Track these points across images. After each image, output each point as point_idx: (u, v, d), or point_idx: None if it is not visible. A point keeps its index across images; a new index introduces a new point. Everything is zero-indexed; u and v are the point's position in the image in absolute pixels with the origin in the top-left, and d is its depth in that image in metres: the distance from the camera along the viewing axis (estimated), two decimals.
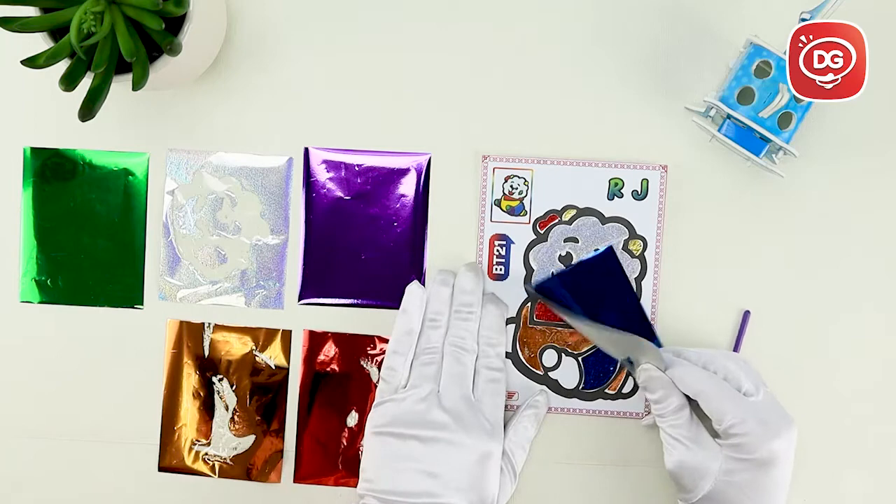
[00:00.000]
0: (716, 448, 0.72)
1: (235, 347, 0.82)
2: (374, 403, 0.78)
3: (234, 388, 0.82)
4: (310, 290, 0.81)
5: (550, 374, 0.81)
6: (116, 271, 0.82)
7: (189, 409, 0.82)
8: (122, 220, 0.81)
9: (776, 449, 0.70)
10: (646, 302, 0.80)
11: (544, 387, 0.81)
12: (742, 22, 0.78)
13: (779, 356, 0.80)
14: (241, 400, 0.82)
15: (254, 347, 0.82)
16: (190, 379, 0.82)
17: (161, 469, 0.83)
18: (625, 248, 0.80)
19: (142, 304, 0.82)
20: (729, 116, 0.74)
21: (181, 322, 0.82)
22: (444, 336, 0.78)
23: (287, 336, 0.82)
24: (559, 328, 0.81)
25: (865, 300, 0.80)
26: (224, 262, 0.82)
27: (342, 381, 0.82)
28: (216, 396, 0.82)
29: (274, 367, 0.82)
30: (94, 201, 0.81)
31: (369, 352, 0.81)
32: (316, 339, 0.82)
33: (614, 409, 0.81)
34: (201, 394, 0.82)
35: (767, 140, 0.74)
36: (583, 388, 0.81)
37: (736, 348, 0.80)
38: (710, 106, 0.75)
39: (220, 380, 0.82)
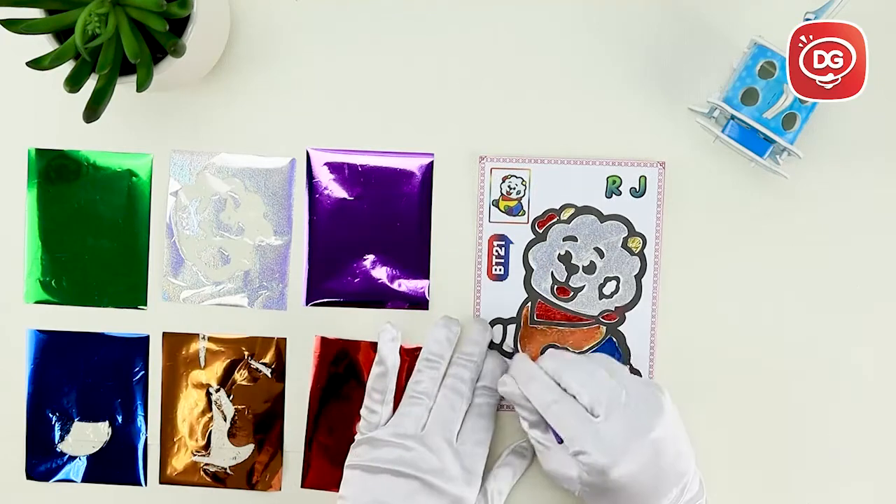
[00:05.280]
0: (571, 460, 0.73)
1: (231, 357, 0.82)
2: (355, 442, 0.78)
3: (231, 397, 0.82)
4: (314, 291, 0.82)
5: None
6: (120, 272, 0.82)
7: (186, 421, 0.82)
8: (125, 221, 0.82)
9: (621, 475, 0.70)
10: (646, 299, 0.81)
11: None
12: (746, 22, 0.78)
13: (780, 355, 0.81)
14: (239, 409, 0.82)
15: (250, 356, 0.82)
16: (186, 391, 0.82)
17: (162, 482, 0.83)
18: (624, 245, 0.80)
19: (145, 305, 0.82)
20: (733, 117, 0.74)
21: (175, 334, 0.82)
22: (438, 379, 0.78)
23: (282, 344, 0.82)
24: (560, 327, 0.81)
25: (870, 300, 0.80)
26: (227, 264, 0.82)
27: (352, 388, 0.82)
28: (214, 407, 0.82)
29: (270, 376, 0.82)
30: (97, 202, 0.82)
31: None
32: (327, 346, 0.82)
33: None
34: (198, 405, 0.82)
35: (772, 141, 0.74)
36: None
37: None
38: (713, 107, 0.75)
39: (217, 390, 0.82)
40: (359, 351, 0.82)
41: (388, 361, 0.78)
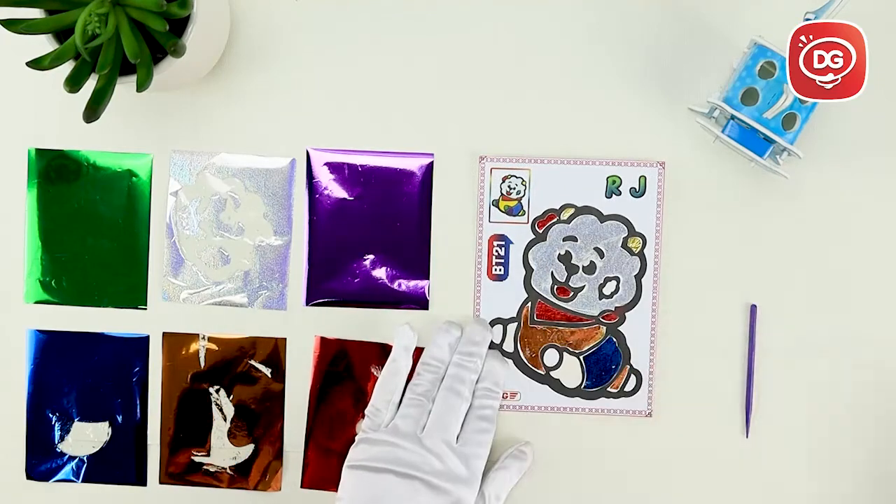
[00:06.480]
0: None
1: (231, 357, 0.82)
2: (355, 442, 0.78)
3: (231, 397, 0.82)
4: (314, 291, 0.82)
5: (552, 373, 0.81)
6: (120, 272, 0.82)
7: (187, 421, 0.82)
8: (125, 221, 0.82)
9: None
10: (646, 298, 0.81)
11: (530, 442, 0.81)
12: (746, 22, 0.78)
13: (778, 354, 0.80)
14: (239, 409, 0.82)
15: (249, 356, 0.82)
16: (186, 391, 0.82)
17: (162, 482, 0.83)
18: (624, 245, 0.80)
19: (145, 305, 0.82)
20: (733, 117, 0.74)
21: (175, 334, 0.82)
22: (438, 382, 0.78)
23: (283, 344, 0.82)
24: (560, 327, 0.81)
25: (870, 300, 0.80)
26: (227, 264, 0.82)
27: (353, 388, 0.82)
28: (213, 407, 0.82)
29: (270, 376, 0.82)
30: (97, 202, 0.82)
31: (379, 358, 0.82)
32: (327, 346, 0.82)
33: (617, 407, 0.81)
34: (198, 405, 0.82)
35: (772, 141, 0.74)
36: (585, 387, 0.81)
37: (751, 344, 0.80)
38: (713, 107, 0.75)
39: (217, 390, 0.82)
40: (358, 351, 0.82)
41: (400, 362, 0.78)
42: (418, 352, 0.80)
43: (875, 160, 0.80)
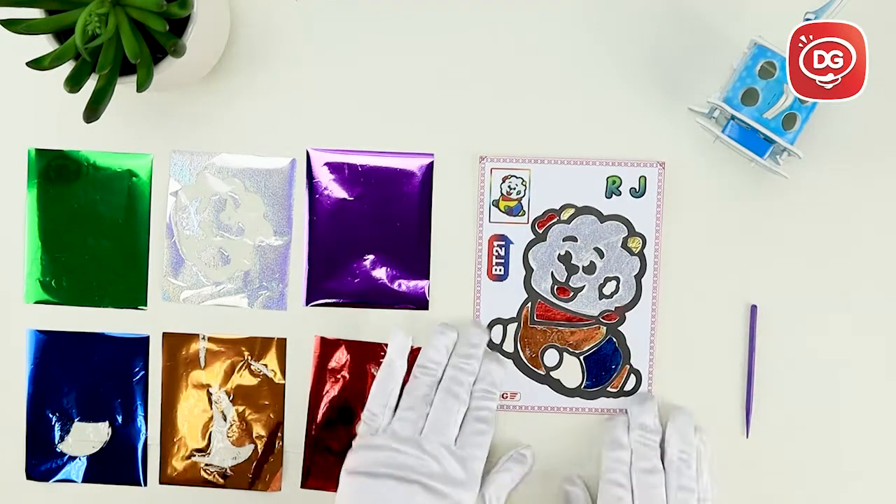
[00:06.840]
0: None
1: (231, 357, 0.82)
2: (353, 448, 0.77)
3: (231, 398, 0.82)
4: (314, 291, 0.82)
5: (552, 373, 0.81)
6: (120, 272, 0.82)
7: (187, 421, 0.82)
8: (125, 221, 0.81)
9: None
10: (646, 298, 0.81)
11: (531, 445, 0.81)
12: (746, 22, 0.78)
13: (778, 353, 0.80)
14: (239, 410, 0.82)
15: (250, 357, 0.82)
16: (186, 391, 0.82)
17: (162, 482, 0.83)
18: (624, 245, 0.80)
19: (145, 305, 0.82)
20: (733, 117, 0.74)
21: (175, 334, 0.82)
22: (434, 385, 0.78)
23: (282, 344, 0.82)
24: (560, 328, 0.81)
25: (870, 300, 0.80)
26: (227, 264, 0.82)
27: (353, 388, 0.82)
28: (214, 407, 0.82)
29: (270, 376, 0.82)
30: (98, 202, 0.82)
31: (379, 359, 0.82)
32: (327, 346, 0.82)
33: (617, 407, 0.81)
34: (198, 405, 0.82)
35: (772, 141, 0.74)
36: (585, 387, 0.81)
37: (751, 344, 0.80)
38: (713, 107, 0.75)
39: (217, 390, 0.82)
40: (358, 351, 0.82)
41: (395, 365, 0.78)
42: (413, 354, 0.80)
43: (875, 160, 0.80)
